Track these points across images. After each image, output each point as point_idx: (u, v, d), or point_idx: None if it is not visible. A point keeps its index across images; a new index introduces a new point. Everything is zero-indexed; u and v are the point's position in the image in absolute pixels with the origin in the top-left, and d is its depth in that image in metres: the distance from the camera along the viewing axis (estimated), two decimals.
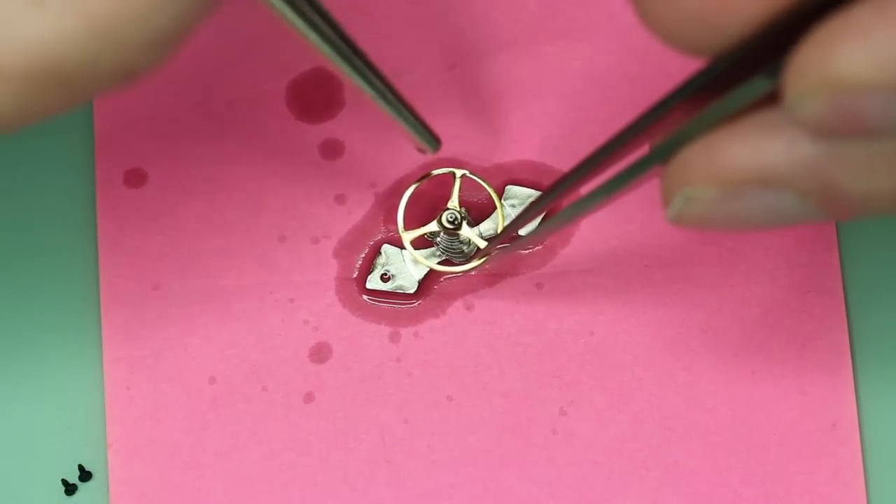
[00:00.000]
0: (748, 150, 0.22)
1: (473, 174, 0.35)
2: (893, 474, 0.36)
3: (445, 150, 0.37)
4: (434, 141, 0.32)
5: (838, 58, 0.19)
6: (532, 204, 0.31)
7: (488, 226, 0.36)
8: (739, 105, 0.22)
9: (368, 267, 0.36)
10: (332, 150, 0.37)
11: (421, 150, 0.32)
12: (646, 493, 0.35)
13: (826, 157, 0.22)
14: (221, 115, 0.37)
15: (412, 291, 0.36)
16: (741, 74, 0.22)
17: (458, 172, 0.35)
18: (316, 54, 0.26)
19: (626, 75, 0.37)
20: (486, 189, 0.36)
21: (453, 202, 0.35)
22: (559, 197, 0.29)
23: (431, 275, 0.36)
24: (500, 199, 0.36)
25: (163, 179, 0.36)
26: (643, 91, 0.37)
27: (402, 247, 0.36)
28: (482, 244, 0.35)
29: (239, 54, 0.37)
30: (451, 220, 0.35)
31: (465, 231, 0.35)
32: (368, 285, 0.36)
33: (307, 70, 0.37)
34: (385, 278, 0.36)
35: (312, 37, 0.25)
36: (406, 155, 0.37)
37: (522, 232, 0.35)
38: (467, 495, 0.35)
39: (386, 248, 0.36)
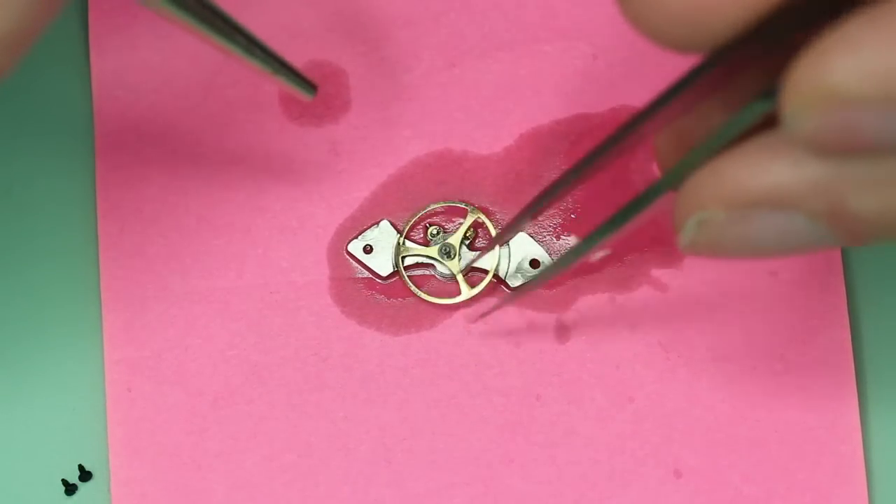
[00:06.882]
0: (755, 171, 0.22)
1: (486, 218, 0.36)
2: (895, 472, 0.36)
3: (445, 149, 0.37)
4: (310, 87, 0.32)
5: (830, 72, 0.19)
6: (535, 278, 0.32)
7: (483, 258, 0.36)
8: (743, 127, 0.23)
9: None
10: (332, 149, 0.37)
11: (299, 99, 0.33)
12: (646, 491, 0.35)
13: (832, 177, 0.22)
14: (221, 116, 0.37)
15: (383, 275, 0.36)
16: (732, 70, 0.22)
17: (473, 215, 0.36)
18: (183, 25, 0.26)
19: (626, 75, 0.37)
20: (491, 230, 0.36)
21: (456, 237, 0.36)
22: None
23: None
24: (501, 247, 0.36)
25: (163, 179, 0.36)
26: (643, 90, 0.37)
27: (399, 231, 0.36)
28: (465, 290, 0.35)
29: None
30: (445, 251, 0.36)
31: (454, 269, 0.36)
32: (349, 248, 0.36)
33: (307, 70, 0.37)
34: (367, 250, 0.36)
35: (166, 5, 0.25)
36: (407, 155, 0.37)
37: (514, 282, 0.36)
38: (468, 495, 0.35)
39: (384, 224, 0.36)
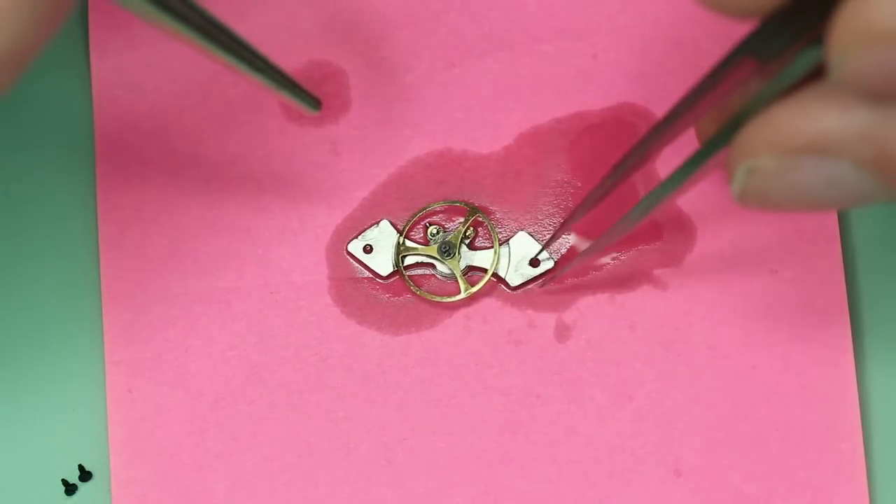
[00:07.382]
0: (803, 118, 0.23)
1: (486, 217, 0.36)
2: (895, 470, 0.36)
3: (445, 148, 0.37)
4: (314, 103, 0.32)
5: (873, 13, 0.20)
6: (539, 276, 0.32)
7: (483, 257, 0.36)
8: (794, 78, 0.23)
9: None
10: (332, 149, 0.37)
11: (304, 114, 0.33)
12: (647, 490, 0.35)
13: (877, 124, 0.22)
14: (221, 116, 0.37)
15: (383, 275, 0.36)
16: (787, 40, 0.23)
17: (473, 214, 0.36)
18: (182, 38, 0.26)
19: (626, 74, 0.37)
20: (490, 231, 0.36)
21: (456, 236, 0.35)
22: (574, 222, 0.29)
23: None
24: (500, 246, 0.36)
25: (163, 180, 0.36)
26: (643, 90, 0.37)
27: (399, 230, 0.36)
28: (465, 289, 0.35)
29: None
30: (445, 250, 0.36)
31: (454, 268, 0.36)
32: (349, 248, 0.36)
33: (307, 70, 0.37)
34: (367, 250, 0.36)
35: (166, 19, 0.25)
36: (407, 154, 0.37)
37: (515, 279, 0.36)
38: (468, 494, 0.35)
39: (384, 223, 0.36)
